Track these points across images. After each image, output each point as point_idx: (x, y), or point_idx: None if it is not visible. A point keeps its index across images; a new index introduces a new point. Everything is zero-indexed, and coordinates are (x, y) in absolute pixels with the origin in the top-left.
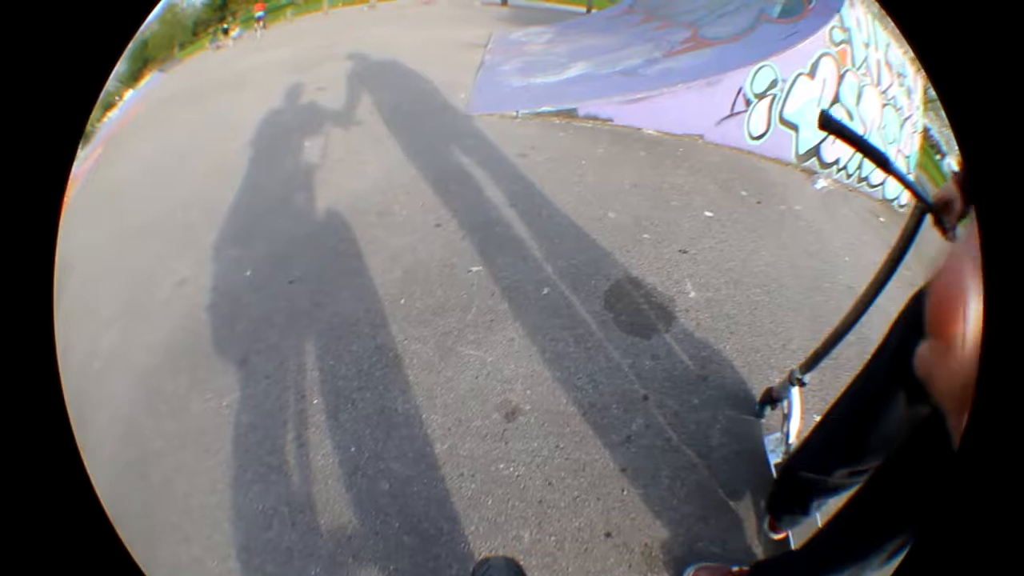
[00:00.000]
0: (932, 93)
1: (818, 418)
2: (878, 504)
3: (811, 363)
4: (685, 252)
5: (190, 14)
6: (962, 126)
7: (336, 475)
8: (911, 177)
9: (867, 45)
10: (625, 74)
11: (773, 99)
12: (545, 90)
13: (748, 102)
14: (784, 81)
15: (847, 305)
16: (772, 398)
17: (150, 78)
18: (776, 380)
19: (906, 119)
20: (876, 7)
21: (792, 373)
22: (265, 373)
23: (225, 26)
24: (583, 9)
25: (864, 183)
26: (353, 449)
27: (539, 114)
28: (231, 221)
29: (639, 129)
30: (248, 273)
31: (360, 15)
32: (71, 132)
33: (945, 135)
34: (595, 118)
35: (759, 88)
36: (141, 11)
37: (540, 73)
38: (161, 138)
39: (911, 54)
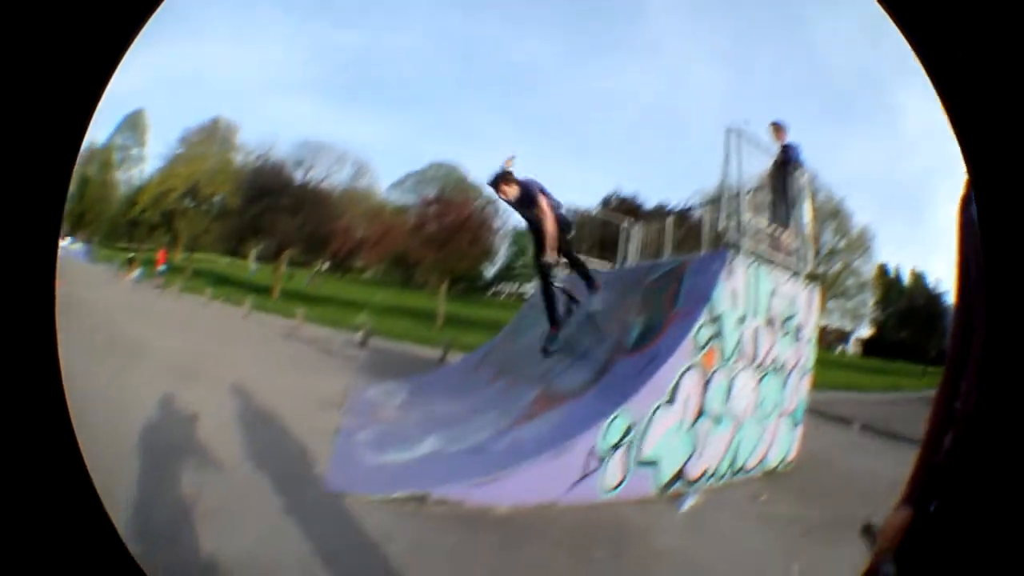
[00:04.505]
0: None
1: None
2: None
3: None
4: None
5: (118, 202)
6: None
7: None
8: None
9: (742, 320)
10: (474, 452)
11: (629, 445)
12: (397, 473)
13: (601, 459)
14: (639, 423)
15: None
16: None
17: (79, 248)
18: None
19: (792, 369)
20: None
21: None
22: None
23: (131, 255)
24: (439, 353)
25: (741, 472)
26: None
27: (392, 499)
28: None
29: (491, 508)
30: None
31: (233, 319)
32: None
33: (850, 308)
34: (446, 501)
35: (612, 439)
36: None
37: (393, 449)
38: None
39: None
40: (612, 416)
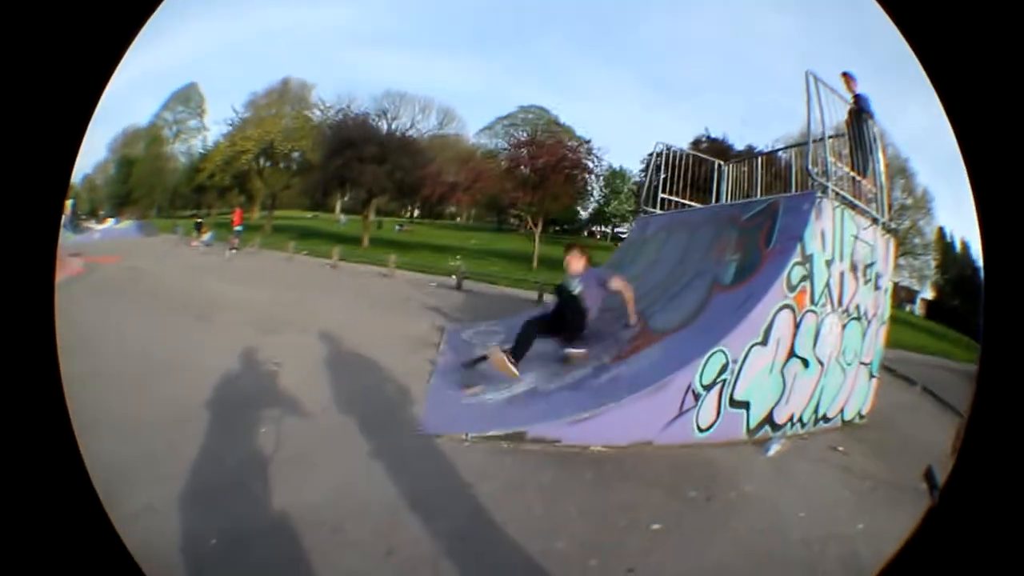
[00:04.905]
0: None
1: None
2: None
3: None
4: (632, 571)
5: (172, 174)
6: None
7: None
8: None
9: (829, 263)
10: (573, 388)
11: (723, 384)
12: (494, 411)
13: (697, 396)
14: (735, 362)
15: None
16: None
17: (128, 225)
18: None
19: (872, 318)
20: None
21: None
22: None
23: (199, 221)
24: (535, 294)
25: (822, 421)
26: None
27: (488, 437)
28: (193, 475)
29: (587, 447)
30: (213, 542)
31: (321, 270)
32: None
33: (916, 267)
34: (543, 440)
35: (709, 378)
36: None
37: (490, 387)
38: (124, 333)
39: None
40: (710, 352)
